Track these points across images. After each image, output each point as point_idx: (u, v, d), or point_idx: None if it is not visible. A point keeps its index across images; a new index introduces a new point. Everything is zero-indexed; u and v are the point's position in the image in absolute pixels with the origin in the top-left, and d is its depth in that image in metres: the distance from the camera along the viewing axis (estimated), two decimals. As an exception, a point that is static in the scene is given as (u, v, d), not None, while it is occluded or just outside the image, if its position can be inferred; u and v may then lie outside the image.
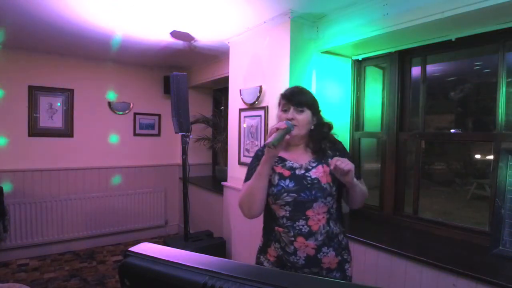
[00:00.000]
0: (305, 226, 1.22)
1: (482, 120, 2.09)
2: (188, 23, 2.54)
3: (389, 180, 2.27)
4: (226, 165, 3.10)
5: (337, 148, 1.36)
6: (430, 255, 1.65)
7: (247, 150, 2.67)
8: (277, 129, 1.22)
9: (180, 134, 2.88)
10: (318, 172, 1.27)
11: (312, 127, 1.33)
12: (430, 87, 2.17)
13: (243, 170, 2.76)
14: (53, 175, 3.66)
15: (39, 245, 3.56)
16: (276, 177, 1.28)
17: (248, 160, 2.65)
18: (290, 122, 1.25)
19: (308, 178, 1.25)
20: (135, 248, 0.55)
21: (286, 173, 1.28)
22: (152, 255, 0.52)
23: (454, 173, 2.47)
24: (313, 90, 2.33)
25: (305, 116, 1.29)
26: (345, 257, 1.31)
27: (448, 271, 1.53)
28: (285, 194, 1.24)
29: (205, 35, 2.83)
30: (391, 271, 1.79)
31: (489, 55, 1.95)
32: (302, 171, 1.28)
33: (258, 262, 1.38)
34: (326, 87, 2.39)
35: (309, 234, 1.22)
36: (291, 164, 1.30)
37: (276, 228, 1.28)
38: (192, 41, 3.00)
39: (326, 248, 1.23)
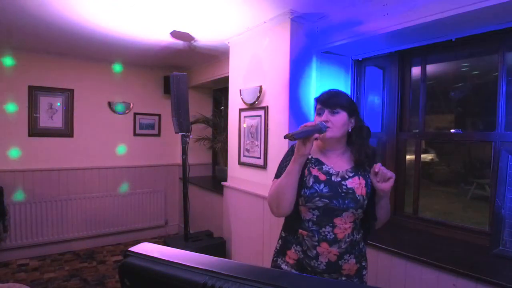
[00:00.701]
0: (331, 233, 1.21)
1: (482, 120, 2.09)
2: (188, 23, 2.54)
3: (389, 180, 2.27)
4: (226, 165, 3.10)
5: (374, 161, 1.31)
6: (430, 255, 1.65)
7: (247, 150, 2.67)
8: (306, 125, 1.18)
9: (180, 134, 2.88)
10: (354, 183, 1.24)
11: (350, 130, 1.29)
12: (430, 87, 2.17)
13: (243, 170, 2.79)
14: (53, 175, 3.65)
15: (39, 245, 3.56)
16: (311, 179, 1.25)
17: (248, 160, 2.67)
18: (323, 123, 1.22)
19: (344, 187, 1.23)
20: (135, 248, 0.55)
21: (322, 177, 1.25)
22: (152, 255, 0.52)
23: (454, 173, 2.46)
24: (313, 90, 2.33)
25: (339, 117, 1.25)
26: (363, 264, 1.32)
27: (448, 271, 1.53)
28: (317, 198, 1.21)
29: (205, 35, 2.83)
30: (391, 271, 1.79)
31: (489, 55, 1.95)
32: (338, 179, 1.25)
33: (275, 265, 1.35)
34: (326, 87, 2.38)
35: (334, 242, 1.21)
36: (328, 169, 1.27)
37: (300, 230, 1.25)
38: (192, 41, 3.00)
39: (348, 255, 1.23)
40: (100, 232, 3.92)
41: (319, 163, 1.29)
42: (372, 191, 1.27)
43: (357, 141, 1.30)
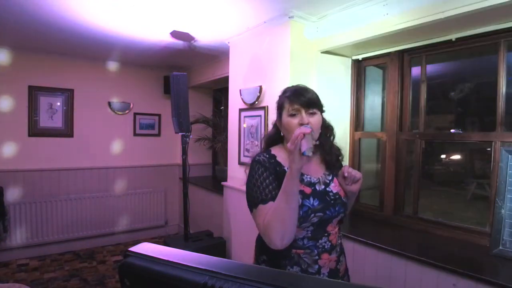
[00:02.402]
0: (327, 242, 1.14)
1: (482, 120, 2.09)
2: (188, 23, 2.54)
3: (389, 180, 2.27)
4: (226, 165, 3.10)
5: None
6: (430, 255, 1.64)
7: (247, 150, 2.67)
8: (304, 134, 0.97)
9: (180, 134, 2.88)
10: (336, 186, 1.18)
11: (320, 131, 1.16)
12: (430, 87, 2.17)
13: (243, 170, 2.77)
14: (53, 175, 3.66)
15: (39, 245, 3.56)
16: (299, 196, 1.08)
17: (248, 160, 2.66)
18: (308, 127, 1.04)
19: (331, 194, 1.15)
20: (135, 248, 0.55)
21: (307, 190, 1.12)
22: (152, 255, 0.52)
23: (454, 173, 2.47)
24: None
25: (317, 118, 1.13)
26: (345, 258, 1.29)
27: (448, 271, 1.53)
28: (312, 214, 1.09)
29: (205, 35, 2.83)
30: (391, 271, 1.79)
31: (489, 55, 1.95)
32: (322, 186, 1.16)
33: None
34: (326, 87, 2.39)
35: (332, 249, 1.15)
36: (308, 179, 1.15)
37: (294, 250, 1.11)
38: (192, 41, 3.00)
39: (342, 256, 1.21)
40: (100, 232, 3.92)
41: None
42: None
43: (327, 141, 1.21)
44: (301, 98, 1.12)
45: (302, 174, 1.14)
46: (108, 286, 2.97)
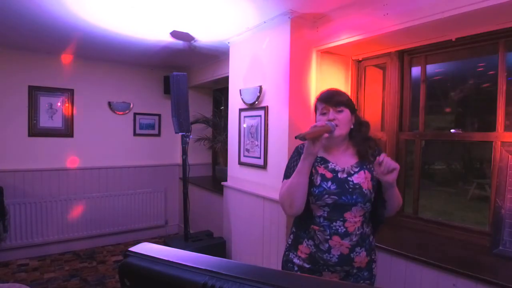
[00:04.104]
0: (342, 227, 1.25)
1: (482, 120, 2.09)
2: (188, 23, 2.54)
3: (389, 180, 2.27)
4: (226, 165, 3.10)
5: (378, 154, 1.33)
6: (430, 255, 1.65)
7: (247, 150, 2.67)
8: (315, 126, 1.21)
9: (180, 134, 2.88)
10: (360, 178, 1.28)
11: (352, 127, 1.34)
12: (430, 87, 2.17)
13: (243, 170, 2.79)
14: (53, 175, 3.65)
15: (39, 245, 3.56)
16: (319, 178, 1.28)
17: (248, 160, 2.67)
18: (331, 122, 1.25)
19: (350, 183, 1.27)
20: (135, 248, 0.55)
21: (329, 175, 1.29)
22: (152, 255, 0.52)
23: (454, 173, 2.47)
24: (313, 90, 2.33)
25: (345, 115, 1.30)
26: (373, 257, 1.35)
27: (448, 271, 1.53)
28: (326, 196, 1.25)
29: (205, 35, 2.83)
30: (391, 271, 1.79)
31: (489, 55, 1.95)
32: (345, 175, 1.29)
33: (287, 259, 1.39)
34: (326, 87, 2.38)
35: (345, 235, 1.24)
36: (333, 167, 1.31)
37: (312, 226, 1.29)
38: (192, 41, 3.00)
39: (359, 248, 1.27)
40: (100, 232, 3.92)
41: (324, 162, 1.33)
42: (378, 183, 1.29)
43: (357, 135, 1.35)
44: (329, 99, 1.32)
45: (327, 161, 1.33)
46: (108, 286, 2.97)
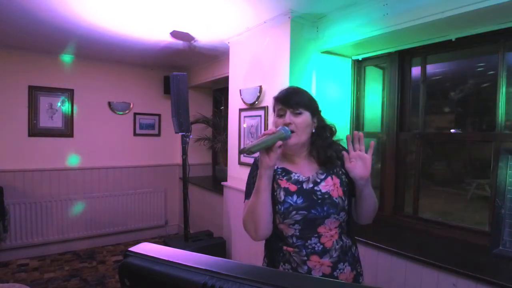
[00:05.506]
0: (318, 244, 1.11)
1: (482, 120, 2.08)
2: (188, 23, 2.54)
3: (389, 180, 2.27)
4: (226, 165, 3.10)
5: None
6: (430, 255, 1.65)
7: (247, 150, 2.67)
8: (265, 134, 1.05)
9: (180, 134, 2.88)
10: (328, 186, 1.14)
11: (313, 131, 1.18)
12: (430, 87, 2.17)
13: (243, 170, 2.78)
14: (53, 175, 3.66)
15: (39, 245, 3.56)
16: (282, 193, 1.13)
17: (248, 160, 2.67)
18: (287, 128, 1.10)
19: (318, 193, 1.12)
20: (135, 248, 0.55)
21: (293, 187, 1.14)
22: (152, 255, 0.52)
23: (454, 173, 2.46)
24: (313, 90, 2.33)
25: (303, 118, 1.13)
26: (358, 270, 1.21)
27: (448, 271, 1.53)
28: (294, 212, 1.10)
29: (205, 35, 2.83)
30: (391, 271, 1.79)
31: (489, 55, 1.95)
32: (310, 185, 1.14)
33: None
34: (326, 87, 2.39)
35: (323, 252, 1.11)
36: (297, 177, 1.16)
37: (285, 247, 1.14)
38: (192, 41, 3.00)
39: (342, 264, 1.13)
40: (100, 232, 3.92)
41: (286, 173, 1.17)
42: (349, 186, 1.17)
43: (318, 142, 1.19)
44: (286, 99, 1.15)
45: (290, 172, 1.17)
46: (108, 286, 2.97)
